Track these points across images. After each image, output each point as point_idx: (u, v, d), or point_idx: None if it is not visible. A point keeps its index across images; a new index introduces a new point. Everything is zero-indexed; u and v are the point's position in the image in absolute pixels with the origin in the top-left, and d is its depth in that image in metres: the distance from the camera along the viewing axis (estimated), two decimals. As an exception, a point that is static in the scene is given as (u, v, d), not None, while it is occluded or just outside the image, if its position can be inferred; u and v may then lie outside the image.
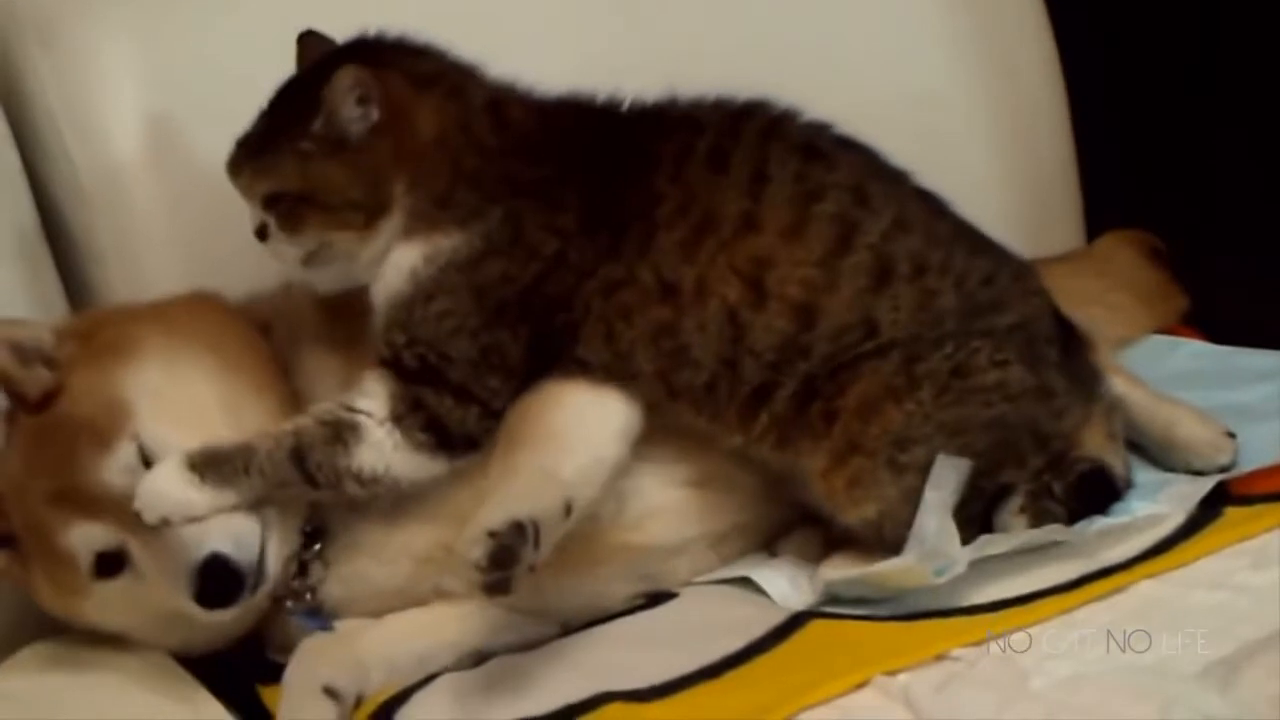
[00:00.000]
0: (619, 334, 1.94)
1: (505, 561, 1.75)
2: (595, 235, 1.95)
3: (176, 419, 1.96)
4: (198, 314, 2.08)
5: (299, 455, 1.91)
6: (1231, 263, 2.63)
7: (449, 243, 1.93)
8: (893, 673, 1.79)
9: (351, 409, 1.93)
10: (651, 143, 2.00)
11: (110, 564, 1.94)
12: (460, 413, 1.94)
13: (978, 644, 1.82)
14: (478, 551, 1.75)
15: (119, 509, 1.91)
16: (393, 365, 1.94)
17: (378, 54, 1.97)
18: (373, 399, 1.93)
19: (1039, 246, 2.22)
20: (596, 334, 1.95)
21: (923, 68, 2.62)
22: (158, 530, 1.90)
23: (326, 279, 2.00)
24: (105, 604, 1.98)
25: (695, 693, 1.81)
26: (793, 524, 2.11)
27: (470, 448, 1.95)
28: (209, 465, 1.90)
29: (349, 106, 1.90)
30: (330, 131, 1.90)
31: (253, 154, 1.94)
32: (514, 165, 1.96)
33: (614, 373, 1.96)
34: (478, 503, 1.87)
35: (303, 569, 2.02)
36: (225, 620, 1.95)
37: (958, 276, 1.98)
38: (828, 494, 1.95)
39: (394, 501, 1.99)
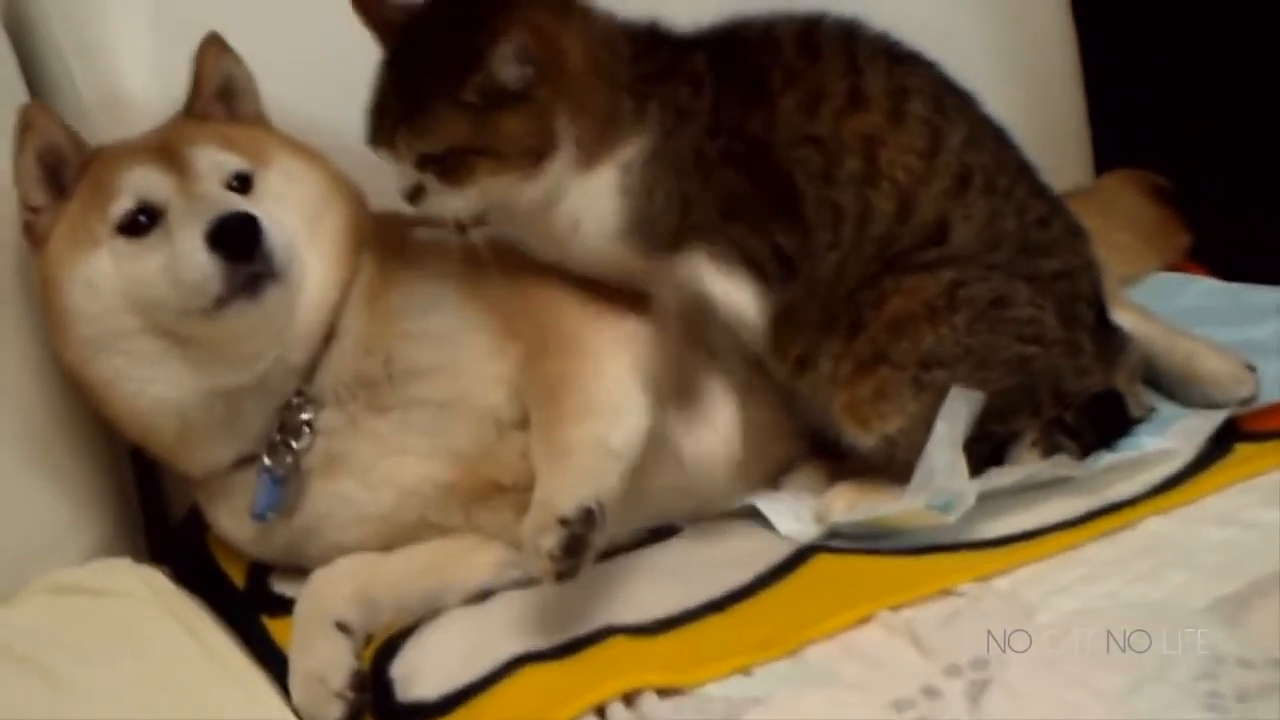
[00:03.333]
0: (812, 174, 1.93)
1: (577, 550, 1.75)
2: (730, 102, 1.94)
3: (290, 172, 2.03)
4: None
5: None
6: (1238, 200, 2.62)
7: (632, 149, 1.92)
8: (897, 607, 1.79)
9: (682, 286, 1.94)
10: (739, 34, 2.01)
11: (141, 220, 1.93)
12: (754, 241, 1.92)
13: (983, 579, 1.83)
14: (551, 541, 1.74)
15: (189, 174, 1.95)
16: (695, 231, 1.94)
17: None
18: (692, 256, 1.93)
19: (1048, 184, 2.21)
20: (803, 176, 1.93)
21: (933, 3, 2.60)
22: (206, 196, 1.92)
23: (487, 220, 1.96)
24: (108, 267, 1.93)
25: (699, 626, 1.82)
26: (795, 461, 2.12)
27: (775, 277, 1.93)
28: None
29: (511, 68, 1.84)
30: (489, 87, 1.84)
31: (404, 117, 1.86)
32: (645, 64, 1.95)
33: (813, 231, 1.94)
34: (476, 445, 1.96)
35: (284, 429, 1.99)
36: (225, 329, 1.91)
37: (1019, 206, 1.99)
38: (850, 405, 1.95)
39: (392, 429, 1.99)
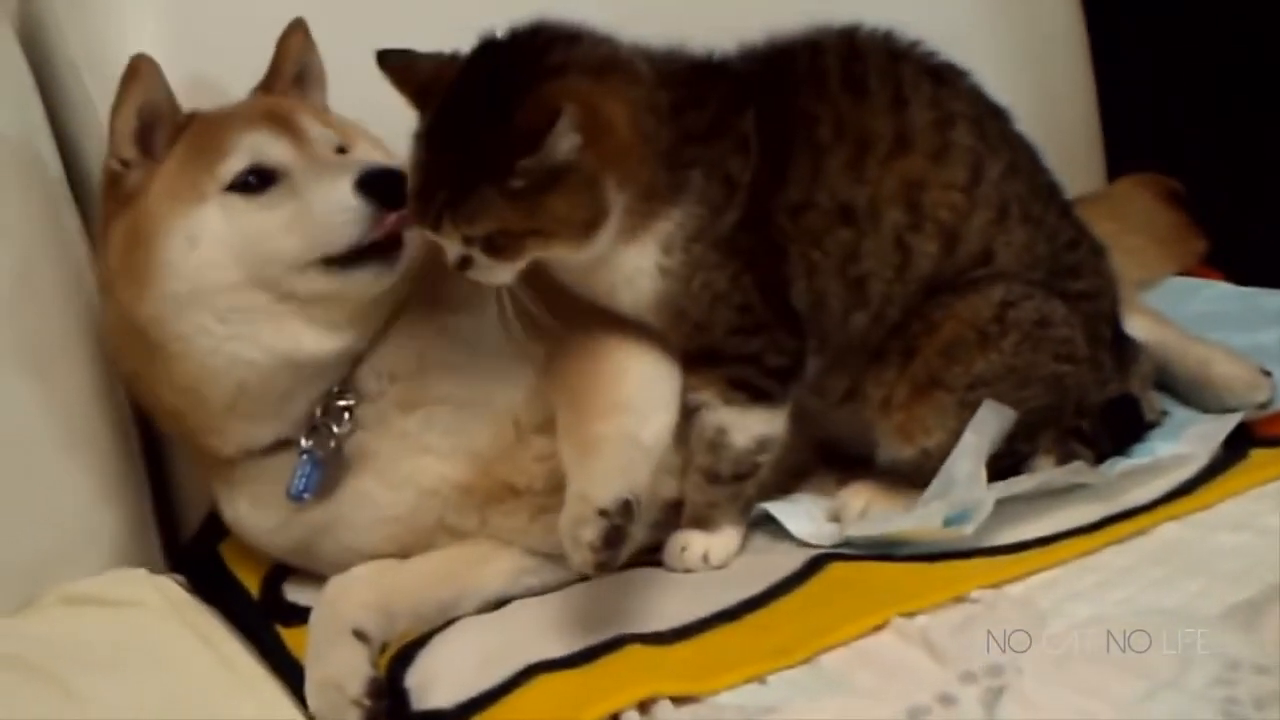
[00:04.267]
0: (816, 265, 1.92)
1: (616, 541, 1.76)
2: (770, 159, 1.92)
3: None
4: None
5: (713, 476, 1.97)
6: (1253, 204, 2.62)
7: (670, 223, 1.89)
8: (911, 614, 1.79)
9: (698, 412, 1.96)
10: (783, 65, 1.98)
11: (252, 180, 1.96)
12: (750, 372, 1.95)
13: (996, 585, 1.83)
14: (591, 532, 1.75)
15: (305, 140, 2.01)
16: (696, 357, 1.96)
17: (544, 55, 1.85)
18: (701, 392, 1.96)
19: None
20: (799, 271, 1.93)
21: (944, 9, 2.60)
22: (333, 159, 2.00)
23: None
24: (214, 220, 1.95)
25: (714, 635, 1.82)
26: (806, 468, 2.13)
27: (782, 397, 1.96)
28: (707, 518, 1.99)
29: (564, 144, 1.78)
30: (540, 166, 1.78)
31: (449, 203, 1.81)
32: (689, 120, 1.91)
33: (812, 330, 1.95)
34: (494, 446, 1.97)
35: (325, 412, 2.01)
36: (337, 287, 1.94)
37: (1050, 232, 2.00)
38: (903, 426, 1.97)
39: (417, 428, 2.01)
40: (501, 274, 1.87)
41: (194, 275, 1.94)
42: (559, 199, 1.81)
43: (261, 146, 1.98)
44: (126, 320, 2.00)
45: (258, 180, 1.96)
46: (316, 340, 1.96)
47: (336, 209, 1.91)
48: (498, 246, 1.83)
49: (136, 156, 2.01)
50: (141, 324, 1.98)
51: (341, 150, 2.04)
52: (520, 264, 1.86)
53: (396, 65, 1.91)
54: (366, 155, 2.05)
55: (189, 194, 1.96)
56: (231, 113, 2.06)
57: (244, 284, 1.94)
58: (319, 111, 2.11)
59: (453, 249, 1.85)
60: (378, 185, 1.90)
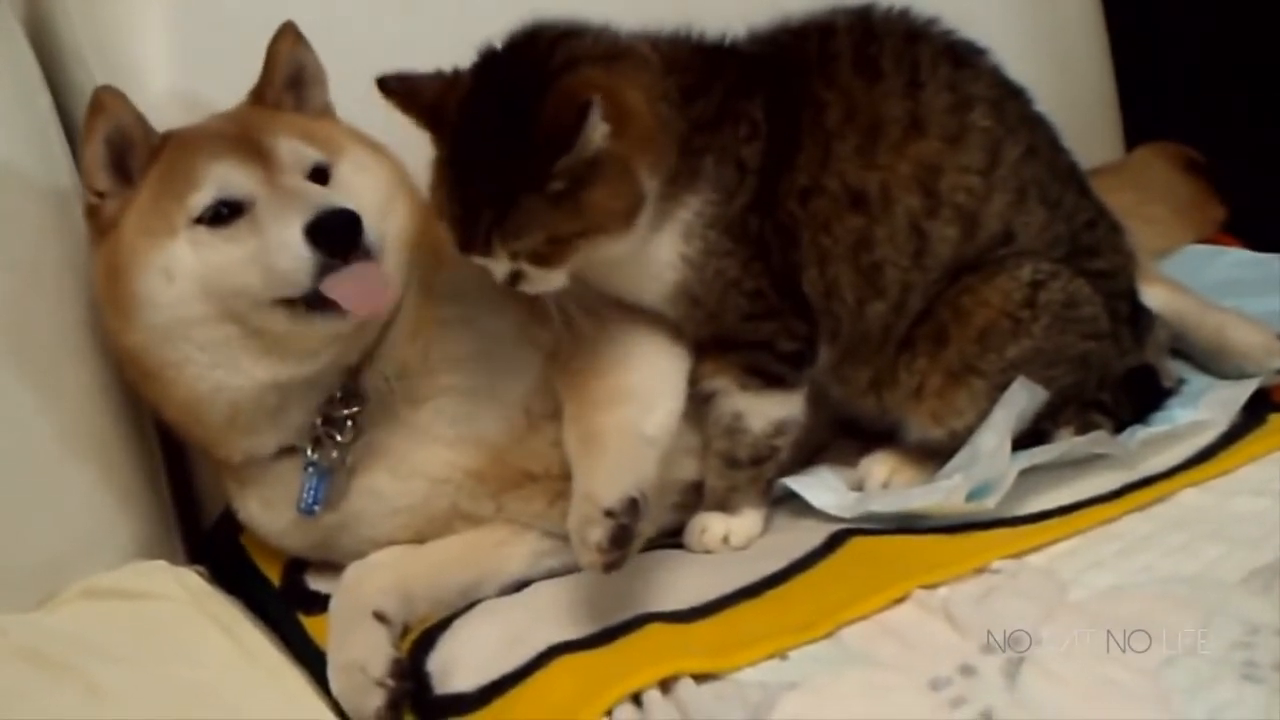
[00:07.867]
0: (827, 251, 1.92)
1: (624, 540, 1.76)
2: (779, 144, 1.91)
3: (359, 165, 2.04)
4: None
5: (731, 460, 1.98)
6: (1271, 172, 2.61)
7: (689, 211, 1.89)
8: (932, 586, 1.79)
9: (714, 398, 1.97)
10: (793, 49, 1.97)
11: (223, 210, 1.93)
12: (763, 357, 1.95)
13: (1017, 556, 1.83)
14: (598, 533, 1.75)
15: (274, 166, 1.95)
16: (710, 344, 1.97)
17: (551, 53, 1.83)
18: (716, 379, 1.96)
19: (1078, 161, 2.21)
20: (811, 258, 1.92)
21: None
22: (297, 189, 1.93)
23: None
24: (185, 255, 1.92)
25: (735, 612, 1.82)
26: (825, 444, 2.13)
27: (796, 381, 1.97)
28: (727, 501, 1.99)
29: (597, 136, 1.76)
30: (578, 162, 1.76)
31: (495, 221, 1.79)
32: (698, 107, 1.90)
33: (825, 318, 1.95)
34: (506, 434, 1.98)
35: (329, 421, 2.00)
36: (304, 330, 1.91)
37: (1068, 213, 1.99)
38: (935, 410, 1.97)
39: (427, 420, 2.00)
40: (553, 281, 1.85)
41: (171, 308, 1.94)
42: (599, 191, 1.79)
43: (227, 178, 1.94)
44: (116, 345, 2.01)
45: (228, 211, 1.93)
46: (296, 367, 1.96)
47: (287, 256, 1.87)
48: (545, 255, 1.81)
49: (111, 185, 2.00)
50: (130, 353, 1.99)
51: (320, 169, 1.99)
52: (568, 268, 1.84)
53: (398, 89, 1.89)
54: (355, 167, 2.02)
55: (161, 228, 1.95)
56: (203, 135, 2.02)
57: (216, 317, 1.93)
58: (301, 123, 2.05)
59: (501, 268, 1.84)
60: (328, 233, 1.86)
